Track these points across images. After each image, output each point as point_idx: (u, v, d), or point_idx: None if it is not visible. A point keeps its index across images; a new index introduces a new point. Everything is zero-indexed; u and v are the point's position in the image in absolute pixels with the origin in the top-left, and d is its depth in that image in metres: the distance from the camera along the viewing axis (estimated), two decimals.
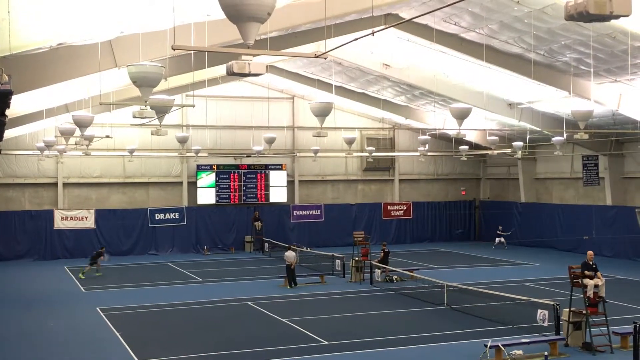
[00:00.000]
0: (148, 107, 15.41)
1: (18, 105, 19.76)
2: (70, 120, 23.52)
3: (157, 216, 38.01)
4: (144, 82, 12.63)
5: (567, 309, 17.14)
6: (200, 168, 38.81)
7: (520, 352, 15.93)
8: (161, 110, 17.11)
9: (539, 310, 18.01)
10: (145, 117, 15.87)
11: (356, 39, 11.85)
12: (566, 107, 26.75)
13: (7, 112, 13.56)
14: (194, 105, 20.35)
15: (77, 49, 15.48)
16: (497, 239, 39.18)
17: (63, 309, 23.06)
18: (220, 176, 39.19)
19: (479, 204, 44.87)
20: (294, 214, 40.71)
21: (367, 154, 37.38)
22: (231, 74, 8.80)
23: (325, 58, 9.96)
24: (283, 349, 17.00)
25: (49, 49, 14.31)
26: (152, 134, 22.09)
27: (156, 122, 19.68)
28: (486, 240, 42.74)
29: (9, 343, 18.36)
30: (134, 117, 16.30)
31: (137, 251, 37.60)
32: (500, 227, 39.53)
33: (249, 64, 8.67)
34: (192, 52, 18.35)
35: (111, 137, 30.26)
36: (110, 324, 20.18)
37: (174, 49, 8.82)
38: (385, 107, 35.65)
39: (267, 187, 40.03)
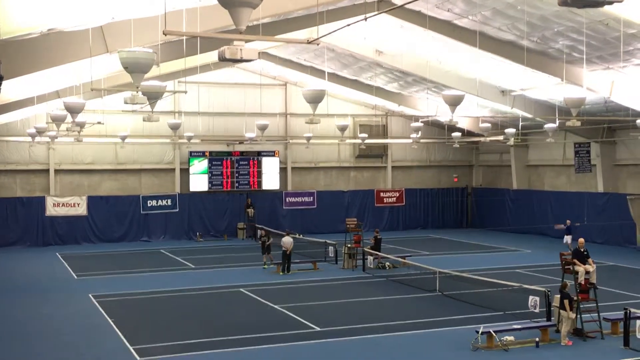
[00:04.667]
0: (140, 93, 15.31)
1: (9, 91, 19.63)
2: (62, 107, 23.37)
3: (150, 203, 37.92)
4: (136, 68, 12.51)
5: (558, 296, 17.23)
6: (193, 155, 38.71)
7: (511, 338, 16.03)
8: (153, 97, 17.00)
9: (530, 297, 18.11)
10: (137, 104, 15.75)
11: (349, 25, 11.83)
12: (559, 94, 26.77)
13: None
14: (186, 92, 20.29)
15: (68, 34, 15.36)
16: (565, 238, 30.76)
17: (55, 296, 23.02)
18: (213, 163, 39.11)
19: (472, 190, 44.94)
20: (287, 200, 40.69)
21: (359, 141, 37.34)
22: (223, 60, 8.76)
23: (317, 44, 9.92)
24: (276, 335, 17.05)
25: (40, 34, 14.18)
26: (144, 121, 21.97)
27: (148, 108, 19.57)
28: (478, 227, 42.89)
29: (1, 330, 18.32)
30: (126, 103, 16.19)
31: (129, 238, 37.52)
32: (568, 221, 31.54)
33: (241, 49, 8.63)
34: (184, 37, 18.25)
35: (103, 124, 30.08)
36: (102, 311, 20.18)
37: (166, 35, 8.78)
38: (378, 94, 35.57)
39: (259, 173, 39.97)
